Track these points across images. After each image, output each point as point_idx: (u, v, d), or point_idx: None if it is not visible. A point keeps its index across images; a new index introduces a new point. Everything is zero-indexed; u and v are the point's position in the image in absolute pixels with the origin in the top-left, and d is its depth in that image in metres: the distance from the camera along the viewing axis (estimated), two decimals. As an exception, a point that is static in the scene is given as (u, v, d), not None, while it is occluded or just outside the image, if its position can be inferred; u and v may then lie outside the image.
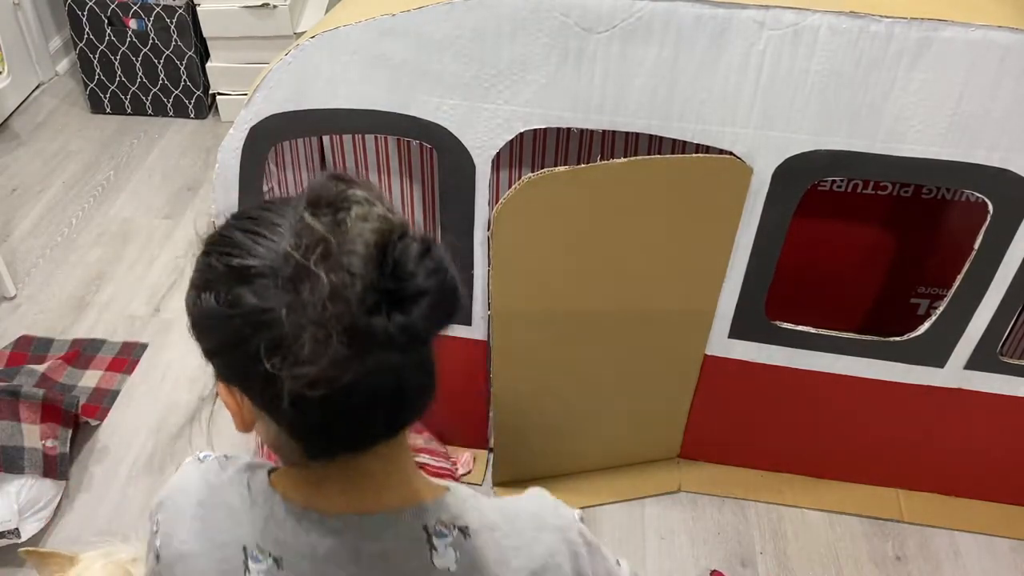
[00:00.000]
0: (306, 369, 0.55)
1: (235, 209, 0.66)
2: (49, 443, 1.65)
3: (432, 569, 0.66)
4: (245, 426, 0.66)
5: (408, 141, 1.68)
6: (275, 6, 2.65)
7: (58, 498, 1.69)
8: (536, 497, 0.75)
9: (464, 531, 0.68)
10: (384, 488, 0.67)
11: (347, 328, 0.55)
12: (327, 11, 2.81)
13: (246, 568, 0.67)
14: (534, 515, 0.73)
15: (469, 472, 1.77)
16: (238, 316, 0.58)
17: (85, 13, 2.76)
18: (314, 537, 0.66)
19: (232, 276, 0.59)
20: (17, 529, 1.58)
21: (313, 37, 1.22)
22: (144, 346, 2.09)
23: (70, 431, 1.74)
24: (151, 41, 2.81)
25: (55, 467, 1.66)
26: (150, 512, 0.72)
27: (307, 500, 0.67)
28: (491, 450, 1.77)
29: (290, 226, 0.59)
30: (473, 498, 0.72)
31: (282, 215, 0.61)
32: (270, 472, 0.70)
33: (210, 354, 0.63)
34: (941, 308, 1.41)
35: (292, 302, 0.56)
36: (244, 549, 0.67)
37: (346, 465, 0.65)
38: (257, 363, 0.57)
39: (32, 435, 1.63)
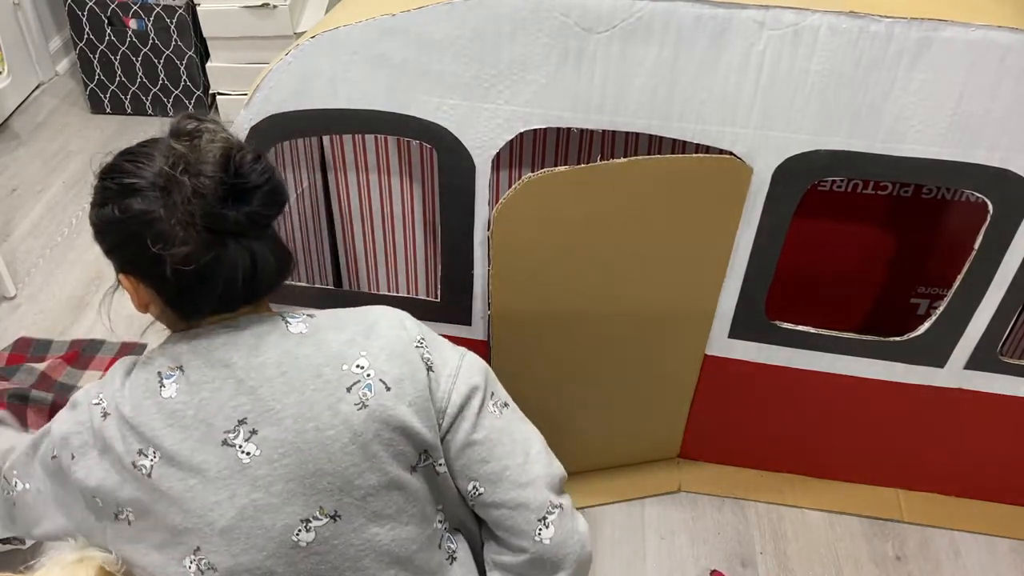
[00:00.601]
0: (181, 248, 0.81)
1: None
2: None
3: (288, 333, 0.89)
4: (141, 305, 0.91)
5: (408, 141, 1.68)
6: (275, 6, 2.65)
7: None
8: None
9: (311, 315, 0.93)
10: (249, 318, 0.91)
11: (206, 215, 0.80)
12: (327, 11, 2.81)
13: (161, 385, 0.87)
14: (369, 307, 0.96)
15: None
16: (131, 219, 0.82)
17: (85, 13, 2.76)
18: (200, 341, 0.88)
19: (123, 192, 0.83)
20: (20, 533, 1.58)
21: (313, 37, 1.22)
22: (143, 347, 2.08)
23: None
24: (151, 41, 2.81)
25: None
26: (89, 396, 0.91)
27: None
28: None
29: (161, 153, 0.83)
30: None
31: (154, 147, 0.85)
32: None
33: (110, 251, 0.88)
34: (941, 308, 1.41)
35: (167, 203, 0.81)
36: (159, 374, 0.88)
37: (215, 319, 0.90)
38: (146, 250, 0.81)
39: (36, 439, 1.63)
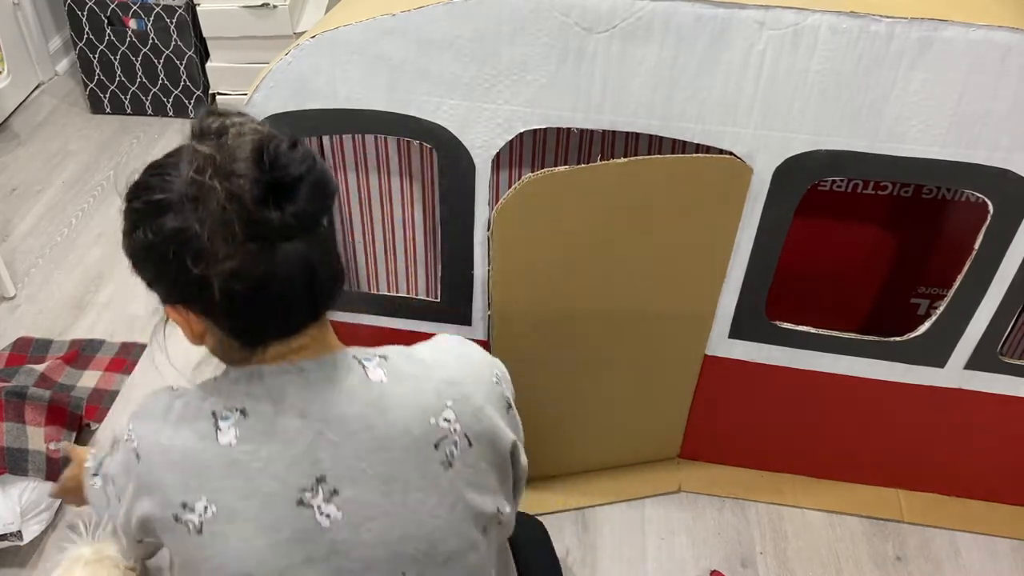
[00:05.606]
0: (226, 265, 0.69)
1: None
2: (52, 446, 1.65)
3: (369, 381, 0.80)
4: (195, 337, 0.79)
5: (408, 141, 1.68)
6: (275, 6, 2.65)
7: (59, 500, 1.69)
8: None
9: (384, 356, 0.83)
10: (315, 349, 0.80)
11: (246, 221, 0.69)
12: (327, 11, 2.81)
13: (217, 428, 0.77)
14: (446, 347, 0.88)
15: None
16: (165, 239, 0.71)
17: (85, 13, 2.76)
18: (268, 382, 0.78)
19: (153, 211, 0.72)
20: (20, 531, 1.58)
21: (313, 37, 1.22)
22: (143, 346, 2.08)
23: (74, 434, 1.74)
24: (151, 41, 2.81)
25: (57, 470, 1.65)
26: (124, 427, 0.83)
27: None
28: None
29: (186, 159, 0.72)
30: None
31: (178, 155, 0.74)
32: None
33: (152, 282, 0.77)
34: (941, 308, 1.41)
35: (201, 214, 0.69)
36: (213, 414, 0.78)
37: (281, 349, 0.79)
38: (188, 273, 0.70)
39: (36, 438, 1.63)
